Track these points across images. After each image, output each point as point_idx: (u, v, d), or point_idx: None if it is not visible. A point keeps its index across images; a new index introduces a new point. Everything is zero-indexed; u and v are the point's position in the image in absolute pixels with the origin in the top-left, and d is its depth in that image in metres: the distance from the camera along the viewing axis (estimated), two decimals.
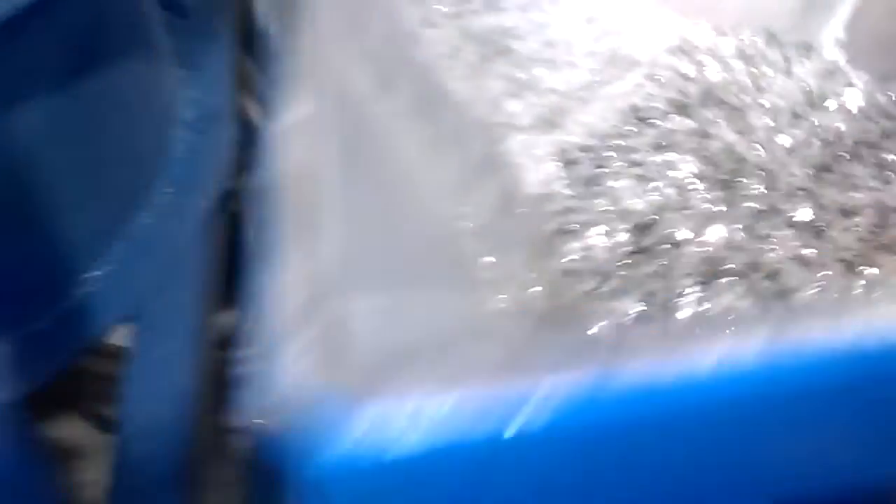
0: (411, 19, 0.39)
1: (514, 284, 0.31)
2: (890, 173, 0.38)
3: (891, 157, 0.39)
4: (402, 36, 0.38)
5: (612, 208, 0.33)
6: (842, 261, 0.33)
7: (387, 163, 0.36)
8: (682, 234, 0.33)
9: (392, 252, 0.31)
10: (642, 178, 0.35)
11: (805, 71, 0.45)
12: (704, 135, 0.37)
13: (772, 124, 0.40)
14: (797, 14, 0.48)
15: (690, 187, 0.35)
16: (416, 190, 0.34)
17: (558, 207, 0.34)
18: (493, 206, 0.34)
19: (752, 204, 0.34)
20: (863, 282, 0.32)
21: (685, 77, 0.40)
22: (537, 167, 0.35)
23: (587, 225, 0.33)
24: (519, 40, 0.37)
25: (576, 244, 0.32)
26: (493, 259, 0.32)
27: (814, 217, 0.35)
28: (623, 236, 0.33)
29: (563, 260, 0.32)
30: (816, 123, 0.40)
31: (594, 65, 0.37)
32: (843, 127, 0.40)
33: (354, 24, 0.40)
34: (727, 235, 0.33)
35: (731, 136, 0.38)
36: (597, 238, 0.32)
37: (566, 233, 0.33)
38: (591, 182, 0.35)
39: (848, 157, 0.39)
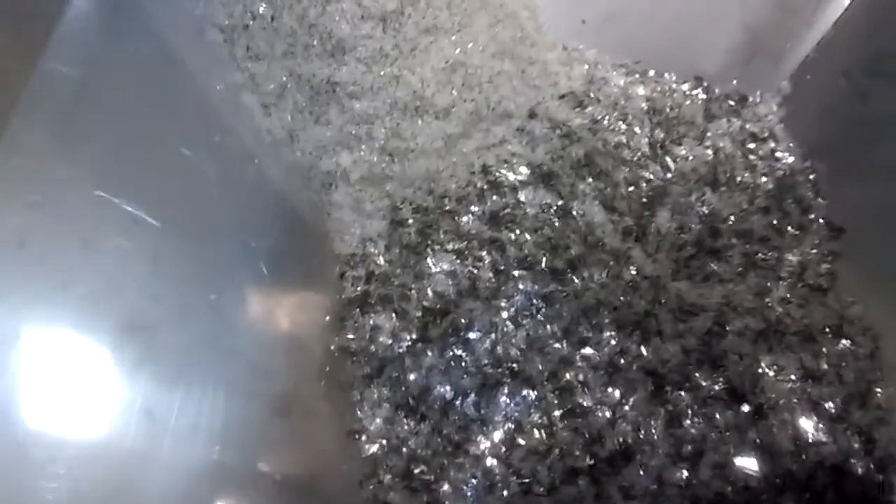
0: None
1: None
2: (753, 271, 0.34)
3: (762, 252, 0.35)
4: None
5: (413, 288, 0.32)
6: (652, 374, 0.31)
7: None
8: (475, 331, 0.31)
9: None
10: (463, 256, 0.32)
11: (725, 133, 0.39)
12: (562, 211, 0.34)
13: (644, 200, 0.36)
14: (738, 58, 0.42)
15: (514, 273, 0.32)
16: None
17: (362, 273, 0.32)
18: (304, 260, 0.33)
19: (579, 300, 0.32)
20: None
21: (564, 136, 0.36)
22: (363, 223, 0.33)
23: (384, 301, 0.31)
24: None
25: (367, 320, 0.31)
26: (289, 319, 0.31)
27: (643, 319, 0.32)
28: (414, 320, 0.31)
29: (349, 336, 0.31)
30: (705, 211, 0.36)
31: (454, 117, 0.34)
32: (726, 213, 0.36)
33: None
34: (528, 337, 0.31)
35: (597, 216, 0.34)
36: (385, 319, 0.31)
37: (361, 305, 0.31)
38: (409, 250, 0.33)
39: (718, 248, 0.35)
